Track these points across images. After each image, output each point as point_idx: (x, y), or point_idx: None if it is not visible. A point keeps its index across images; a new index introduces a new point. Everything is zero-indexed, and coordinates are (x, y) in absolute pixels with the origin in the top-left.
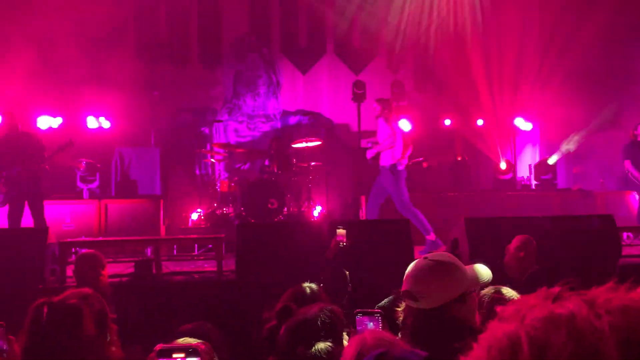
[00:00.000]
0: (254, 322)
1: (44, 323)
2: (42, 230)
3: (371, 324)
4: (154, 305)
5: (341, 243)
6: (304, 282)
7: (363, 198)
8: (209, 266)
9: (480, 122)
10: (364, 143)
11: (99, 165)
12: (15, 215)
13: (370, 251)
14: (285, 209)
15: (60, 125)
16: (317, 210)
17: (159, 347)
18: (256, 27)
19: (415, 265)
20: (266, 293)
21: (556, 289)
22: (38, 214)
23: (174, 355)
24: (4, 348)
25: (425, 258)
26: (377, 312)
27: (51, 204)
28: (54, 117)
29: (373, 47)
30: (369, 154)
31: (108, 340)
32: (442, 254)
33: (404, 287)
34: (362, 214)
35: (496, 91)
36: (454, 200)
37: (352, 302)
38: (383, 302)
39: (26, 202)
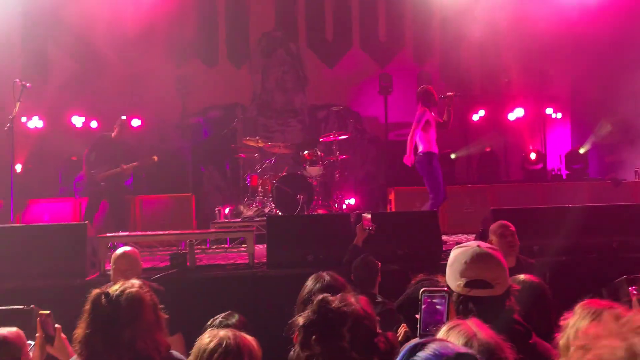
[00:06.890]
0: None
1: (106, 311)
2: (82, 225)
3: (439, 305)
4: (188, 297)
5: (368, 228)
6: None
7: (391, 190)
8: (241, 258)
9: (511, 116)
10: (391, 136)
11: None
12: (90, 210)
13: (397, 242)
14: (314, 202)
15: (98, 125)
16: (345, 203)
17: None
18: (282, 23)
19: (478, 254)
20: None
21: None
22: (114, 213)
23: None
24: (52, 335)
25: (479, 247)
26: (443, 291)
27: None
28: (91, 118)
29: (399, 40)
30: None
31: (160, 327)
32: (482, 243)
33: (470, 277)
34: (391, 206)
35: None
36: (482, 192)
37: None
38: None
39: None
